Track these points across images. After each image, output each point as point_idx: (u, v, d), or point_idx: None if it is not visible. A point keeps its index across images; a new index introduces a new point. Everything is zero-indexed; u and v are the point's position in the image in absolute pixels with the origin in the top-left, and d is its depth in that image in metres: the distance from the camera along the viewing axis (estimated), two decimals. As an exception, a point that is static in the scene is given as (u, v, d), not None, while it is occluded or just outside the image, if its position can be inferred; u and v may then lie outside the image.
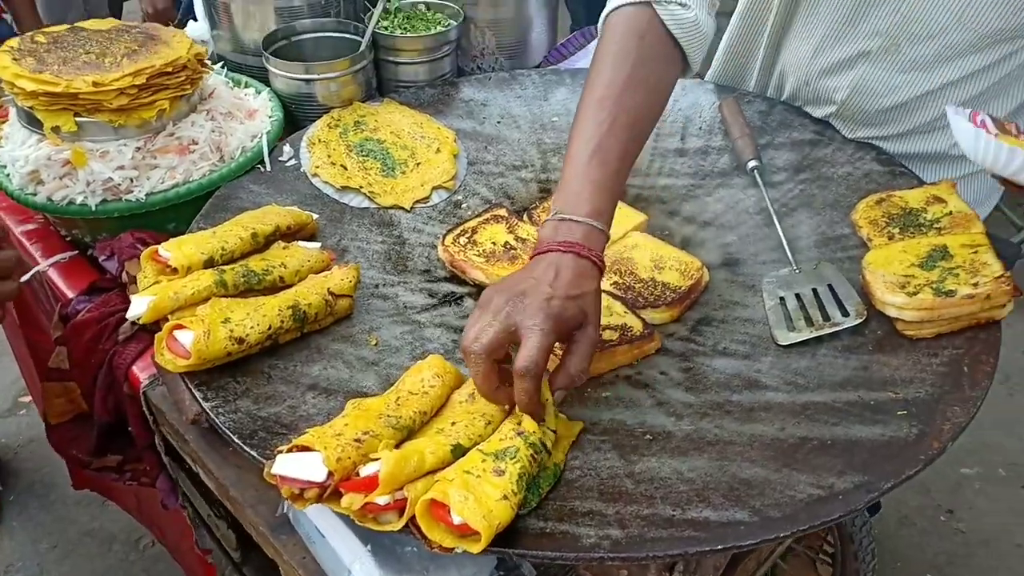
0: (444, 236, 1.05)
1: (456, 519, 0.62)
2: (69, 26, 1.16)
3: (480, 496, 0.63)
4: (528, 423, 0.72)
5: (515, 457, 0.68)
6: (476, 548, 0.63)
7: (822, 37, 1.13)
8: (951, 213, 0.99)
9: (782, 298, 0.95)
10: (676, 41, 0.94)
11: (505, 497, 0.64)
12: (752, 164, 1.14)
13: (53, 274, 1.15)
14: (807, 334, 0.90)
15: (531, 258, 0.81)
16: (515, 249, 1.03)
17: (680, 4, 0.93)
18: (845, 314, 0.91)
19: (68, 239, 1.19)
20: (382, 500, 0.64)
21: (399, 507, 0.64)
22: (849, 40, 1.10)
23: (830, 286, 0.95)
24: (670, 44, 0.94)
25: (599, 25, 0.98)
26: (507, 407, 0.76)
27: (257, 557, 1.17)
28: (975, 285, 0.86)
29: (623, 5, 0.94)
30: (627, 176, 0.88)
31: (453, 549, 0.64)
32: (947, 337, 0.87)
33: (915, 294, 0.87)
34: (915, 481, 0.72)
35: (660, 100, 0.94)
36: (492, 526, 0.62)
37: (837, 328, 0.90)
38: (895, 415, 0.79)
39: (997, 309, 0.86)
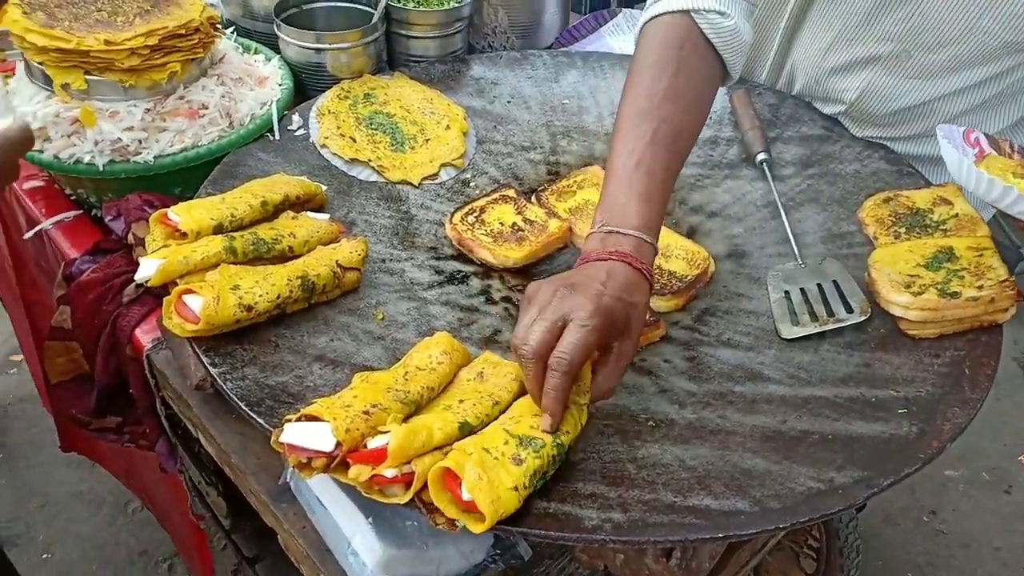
0: (452, 214, 1.05)
1: (465, 495, 0.63)
2: (81, -18, 1.14)
3: (494, 479, 0.63)
4: (566, 424, 0.70)
5: (538, 452, 0.66)
6: (478, 528, 0.63)
7: (834, 38, 1.13)
8: (957, 215, 1.00)
9: (787, 292, 0.96)
10: (715, 50, 0.92)
11: (516, 488, 0.64)
12: (761, 157, 1.14)
13: (55, 233, 1.14)
14: (811, 329, 0.91)
15: (576, 267, 0.78)
16: (523, 231, 1.03)
17: (719, 12, 0.90)
18: (849, 311, 0.92)
19: (72, 198, 1.18)
20: (389, 473, 0.64)
21: (406, 480, 0.65)
22: (860, 43, 1.10)
23: (835, 282, 0.96)
24: (709, 53, 0.92)
25: (635, 34, 0.96)
26: (516, 394, 0.76)
27: (247, 525, 1.18)
28: (980, 288, 0.86)
29: (660, 14, 0.92)
30: (671, 190, 0.85)
31: (455, 524, 0.64)
32: (949, 338, 0.88)
33: (920, 294, 0.87)
34: (903, 481, 0.73)
35: (701, 112, 0.91)
36: (497, 512, 0.63)
37: (841, 324, 0.90)
38: (896, 413, 0.80)
39: (1000, 313, 0.87)
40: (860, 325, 0.90)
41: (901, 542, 2.00)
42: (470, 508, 0.64)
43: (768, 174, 1.12)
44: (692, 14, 0.91)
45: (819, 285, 0.96)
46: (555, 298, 0.70)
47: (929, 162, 1.18)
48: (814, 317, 0.92)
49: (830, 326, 0.91)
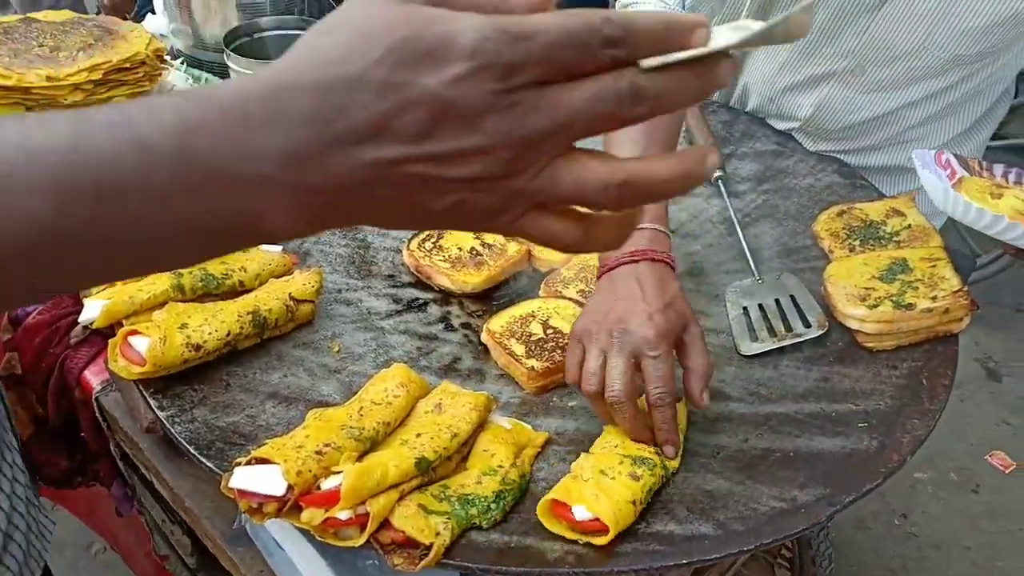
0: (409, 241, 1.04)
1: (580, 516, 0.66)
2: (21, 16, 1.12)
3: (612, 494, 0.67)
4: (672, 453, 0.75)
5: (651, 470, 0.71)
6: (601, 541, 0.66)
7: (786, 58, 1.15)
8: (910, 226, 1.01)
9: (745, 308, 0.96)
10: None
11: (634, 502, 0.68)
12: (716, 174, 1.15)
13: (1, 274, 1.11)
14: (770, 344, 0.91)
15: (599, 276, 0.81)
16: (481, 255, 1.02)
17: None
18: (807, 325, 0.92)
19: (18, 238, 1.15)
20: (344, 515, 0.62)
21: (361, 522, 0.63)
22: (815, 60, 1.12)
23: (792, 297, 0.96)
24: None
25: None
26: (476, 424, 0.76)
27: (214, 565, 1.15)
28: (934, 299, 0.87)
29: None
30: None
31: (414, 564, 0.63)
32: (906, 350, 0.88)
33: (875, 307, 0.88)
34: (865, 497, 0.73)
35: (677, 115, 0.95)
36: (619, 523, 0.66)
37: (799, 339, 0.91)
38: (856, 427, 0.80)
39: (955, 323, 0.88)
40: (818, 339, 0.91)
41: (873, 546, 2.01)
42: (587, 528, 0.66)
43: (723, 191, 1.13)
44: None
45: (777, 300, 0.96)
46: (614, 339, 0.74)
47: (882, 172, 1.20)
48: (772, 333, 0.92)
49: (788, 341, 0.91)
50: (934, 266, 0.92)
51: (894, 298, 0.88)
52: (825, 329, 0.91)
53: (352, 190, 0.33)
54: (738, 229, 1.06)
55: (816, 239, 1.04)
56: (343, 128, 0.32)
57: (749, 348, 0.91)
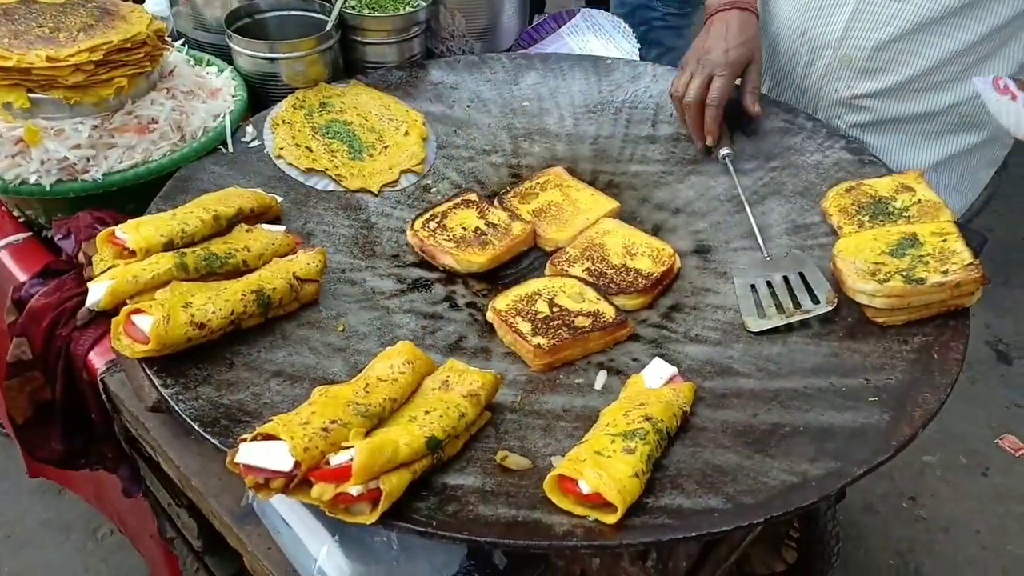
0: (413, 221, 1.03)
1: (586, 489, 0.66)
2: (21, -2, 1.11)
3: (613, 473, 0.66)
4: (657, 410, 0.74)
5: (644, 438, 0.71)
6: (610, 519, 0.66)
7: None
8: (920, 202, 0.99)
9: (753, 285, 0.95)
10: None
11: (636, 475, 0.67)
12: (724, 152, 1.14)
13: (4, 256, 1.11)
14: (778, 321, 0.90)
15: (706, 20, 1.17)
16: (486, 234, 1.01)
17: None
18: (816, 301, 0.91)
19: (21, 220, 1.15)
20: (355, 491, 0.62)
21: (372, 497, 0.63)
22: None
23: (801, 273, 0.95)
24: None
25: None
26: (483, 405, 0.76)
27: (220, 546, 1.15)
28: (945, 273, 0.86)
29: None
30: None
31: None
32: (917, 324, 0.87)
33: (885, 281, 0.87)
34: (880, 468, 0.72)
35: None
36: (626, 500, 0.65)
37: (808, 315, 0.90)
38: (866, 401, 0.79)
39: (966, 297, 0.87)
40: (827, 315, 0.90)
41: (882, 529, 2.00)
42: (595, 500, 0.66)
43: (731, 168, 1.12)
44: None
45: (785, 277, 0.95)
46: (699, 63, 1.12)
47: (907, 139, 1.20)
48: (780, 309, 0.91)
49: (797, 317, 0.90)
50: (945, 240, 0.91)
51: (904, 272, 0.87)
52: (834, 305, 0.90)
53: None
54: (746, 207, 1.05)
55: (825, 216, 1.03)
56: None
57: (757, 324, 0.90)
